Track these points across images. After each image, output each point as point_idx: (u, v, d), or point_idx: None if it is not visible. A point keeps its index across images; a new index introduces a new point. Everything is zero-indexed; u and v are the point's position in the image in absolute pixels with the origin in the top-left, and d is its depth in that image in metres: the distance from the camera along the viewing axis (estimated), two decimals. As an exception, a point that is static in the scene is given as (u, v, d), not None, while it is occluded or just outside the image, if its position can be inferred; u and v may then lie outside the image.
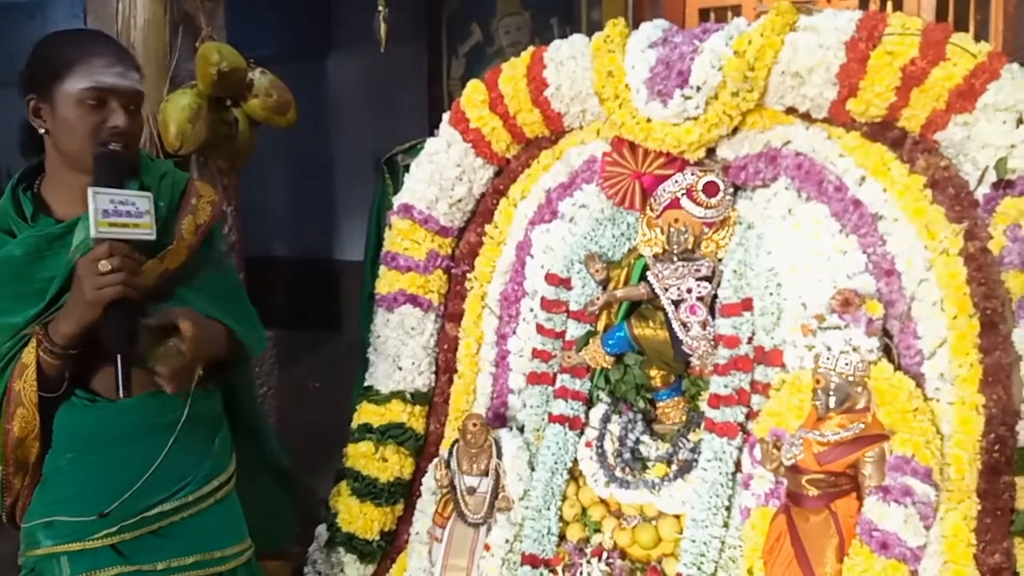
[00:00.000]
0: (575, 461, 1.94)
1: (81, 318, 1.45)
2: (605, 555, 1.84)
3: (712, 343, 1.80)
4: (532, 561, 1.87)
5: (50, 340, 1.48)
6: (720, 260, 1.84)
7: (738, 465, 1.75)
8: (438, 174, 2.13)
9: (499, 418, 2.11)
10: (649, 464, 1.87)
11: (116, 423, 1.58)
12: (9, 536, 1.66)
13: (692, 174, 1.84)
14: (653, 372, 1.92)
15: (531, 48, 2.03)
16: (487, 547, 1.91)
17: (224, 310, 1.67)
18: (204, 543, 1.63)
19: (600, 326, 1.98)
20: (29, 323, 1.51)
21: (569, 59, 1.95)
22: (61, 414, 1.58)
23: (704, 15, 3.48)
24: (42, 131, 1.54)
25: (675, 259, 1.84)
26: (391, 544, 2.14)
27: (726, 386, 1.77)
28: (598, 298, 1.93)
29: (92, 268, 1.41)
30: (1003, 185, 1.56)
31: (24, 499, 1.64)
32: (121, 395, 1.46)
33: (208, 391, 1.69)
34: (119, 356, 1.45)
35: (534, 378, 2.03)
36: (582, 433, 1.95)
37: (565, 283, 2.01)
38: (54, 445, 1.59)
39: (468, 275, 2.18)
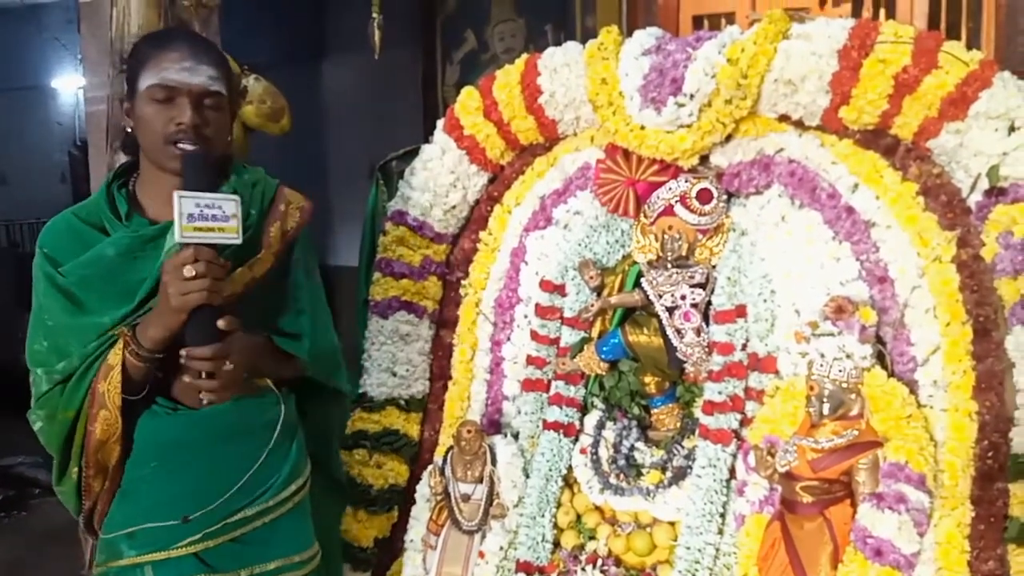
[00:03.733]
0: (570, 468, 1.94)
1: (167, 323, 1.44)
2: (600, 562, 1.84)
3: (706, 350, 1.80)
4: (527, 568, 1.87)
5: (137, 343, 1.47)
6: (714, 267, 1.84)
7: (732, 472, 1.75)
8: (432, 181, 2.13)
9: (494, 425, 2.11)
10: (644, 471, 1.87)
11: (199, 430, 1.56)
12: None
13: (686, 181, 1.84)
14: (647, 379, 1.92)
15: (525, 55, 2.03)
16: (482, 554, 1.91)
17: (289, 321, 1.66)
18: (284, 548, 1.63)
19: (594, 333, 1.98)
20: (117, 324, 1.50)
21: (563, 66, 1.95)
22: (143, 423, 1.57)
23: (698, 23, 3.49)
24: (129, 130, 1.56)
25: (669, 266, 1.84)
26: (386, 552, 2.13)
27: (720, 393, 1.77)
28: (592, 304, 1.93)
29: (177, 273, 1.40)
30: (995, 192, 1.57)
31: (102, 505, 1.63)
32: (205, 402, 1.46)
33: (283, 396, 1.67)
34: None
35: (528, 385, 2.03)
36: (576, 440, 1.95)
37: (559, 289, 2.01)
38: (135, 454, 1.58)
39: (463, 282, 2.18)
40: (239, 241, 1.47)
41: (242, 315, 1.56)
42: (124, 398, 1.50)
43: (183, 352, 1.44)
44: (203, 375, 1.45)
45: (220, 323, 1.45)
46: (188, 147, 1.48)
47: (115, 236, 1.54)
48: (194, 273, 1.39)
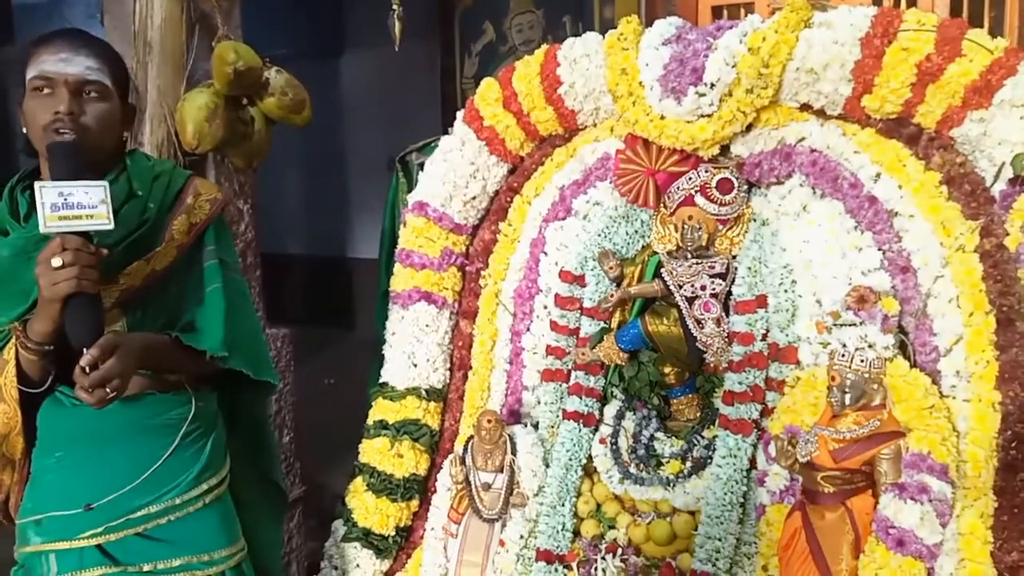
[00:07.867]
0: (589, 457, 1.95)
1: (47, 314, 1.44)
2: (620, 551, 1.84)
3: (726, 340, 1.80)
4: (547, 557, 1.88)
5: (27, 336, 1.49)
6: (734, 257, 1.84)
7: (753, 462, 1.75)
8: (452, 172, 2.14)
9: (514, 414, 2.12)
10: (663, 461, 1.87)
11: (104, 423, 1.56)
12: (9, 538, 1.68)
13: (706, 171, 1.84)
14: (667, 369, 1.92)
15: (544, 46, 2.04)
16: (502, 543, 1.92)
17: (197, 314, 1.64)
18: (192, 546, 1.62)
19: (614, 323, 1.99)
20: (12, 323, 1.52)
21: (583, 57, 1.95)
22: (47, 413, 1.58)
23: (717, 12, 3.47)
24: (24, 131, 1.55)
25: (689, 256, 1.84)
26: (407, 539, 2.15)
27: (741, 383, 1.77)
28: (612, 295, 1.93)
29: (46, 264, 1.40)
30: (1020, 182, 1.56)
31: (15, 495, 1.65)
32: (94, 401, 1.44)
33: (201, 394, 1.67)
34: (84, 350, 1.43)
35: (548, 375, 2.04)
36: (596, 430, 1.96)
37: (579, 280, 2.01)
38: (40, 444, 1.59)
39: (482, 272, 2.19)
40: (110, 227, 1.45)
41: (146, 309, 1.56)
42: (26, 391, 1.52)
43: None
44: (87, 369, 1.42)
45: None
46: (66, 136, 1.47)
47: (11, 237, 1.55)
48: (61, 263, 1.39)
